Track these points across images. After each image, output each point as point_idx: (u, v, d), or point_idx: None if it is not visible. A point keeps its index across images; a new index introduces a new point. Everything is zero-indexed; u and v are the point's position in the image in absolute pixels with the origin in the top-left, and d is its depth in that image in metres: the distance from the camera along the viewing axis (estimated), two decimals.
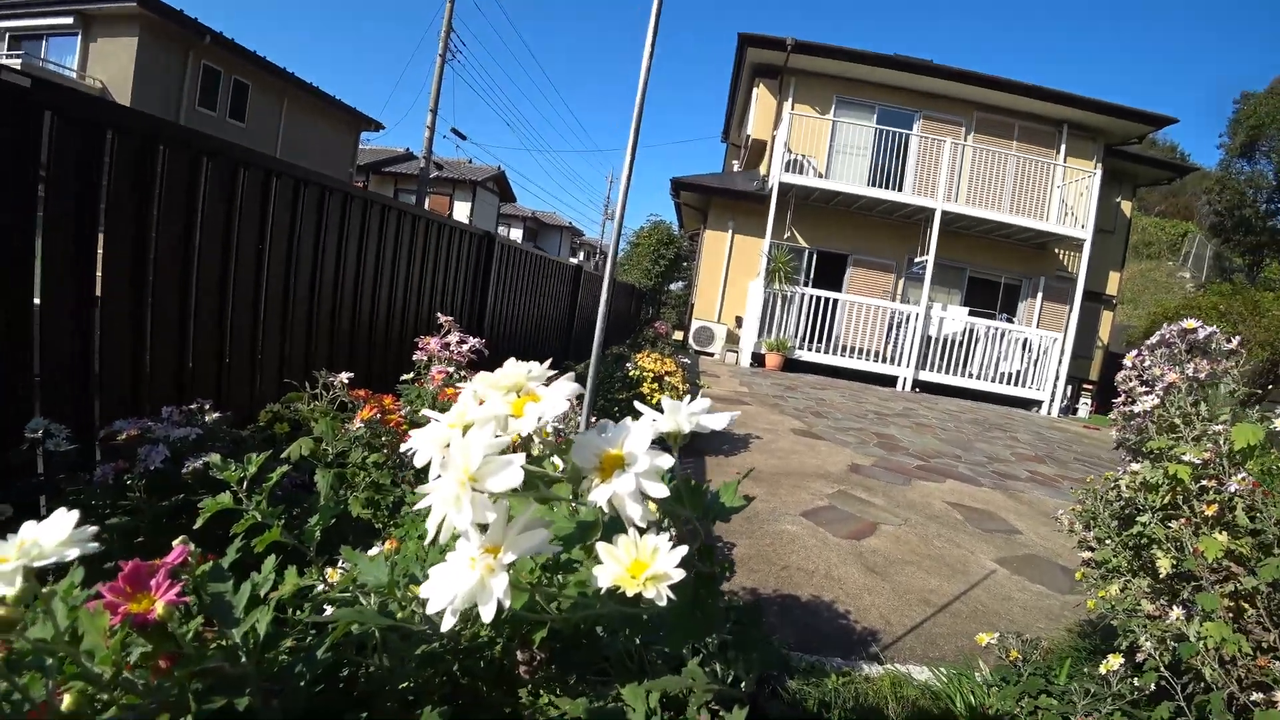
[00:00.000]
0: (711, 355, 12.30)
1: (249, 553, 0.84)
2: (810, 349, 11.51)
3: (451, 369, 1.81)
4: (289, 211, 2.40)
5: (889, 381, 11.56)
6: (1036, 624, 2.57)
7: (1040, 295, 13.17)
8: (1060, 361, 11.70)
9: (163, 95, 14.07)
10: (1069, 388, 12.51)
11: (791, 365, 11.34)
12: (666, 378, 4.33)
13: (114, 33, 13.97)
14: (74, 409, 1.61)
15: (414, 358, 2.00)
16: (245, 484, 0.94)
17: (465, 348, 1.96)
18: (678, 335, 14.33)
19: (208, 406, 1.56)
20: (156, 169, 1.77)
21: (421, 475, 1.49)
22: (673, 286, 18.61)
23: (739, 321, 12.68)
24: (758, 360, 11.40)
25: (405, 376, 1.92)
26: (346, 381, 1.62)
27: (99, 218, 1.65)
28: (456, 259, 3.93)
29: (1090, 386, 13.59)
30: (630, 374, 4.22)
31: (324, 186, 2.57)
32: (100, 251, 1.67)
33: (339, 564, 0.91)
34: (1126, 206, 14.89)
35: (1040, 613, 2.69)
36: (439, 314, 2.19)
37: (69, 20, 14.17)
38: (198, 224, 1.96)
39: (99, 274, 1.68)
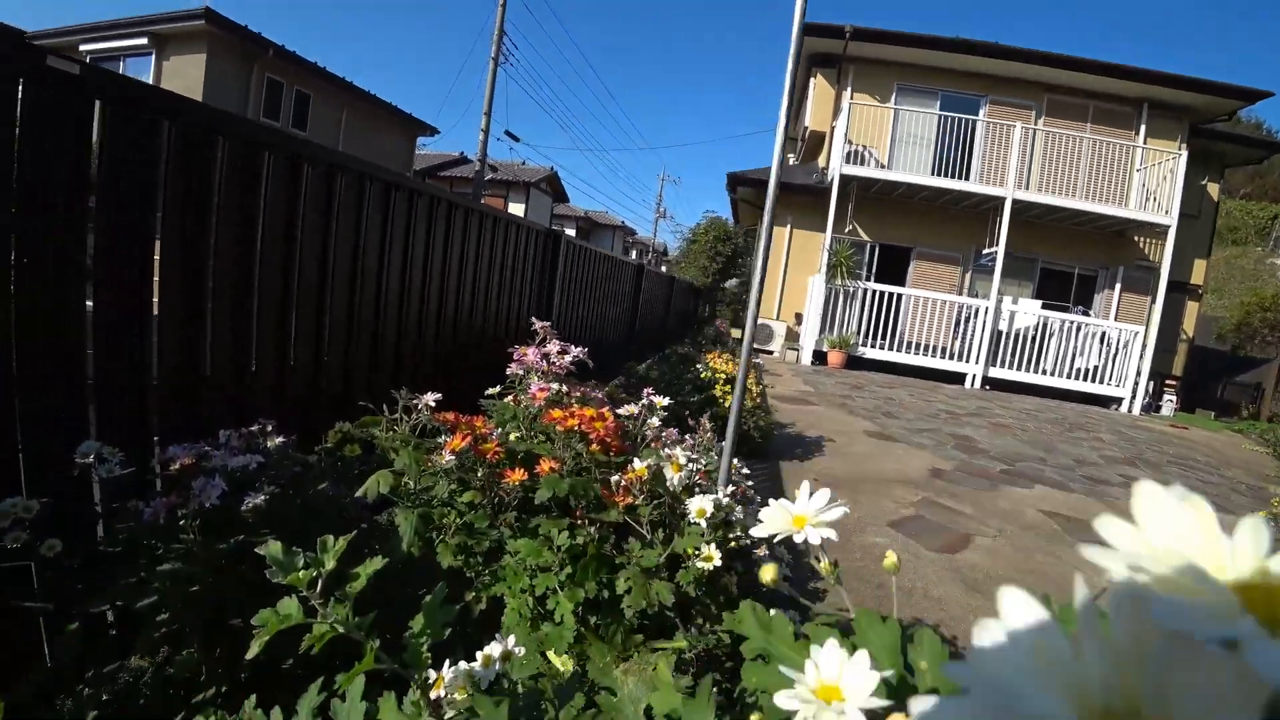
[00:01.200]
0: (771, 353, 12.06)
1: (324, 650, 0.67)
2: (873, 346, 11.16)
3: (555, 385, 1.61)
4: (354, 207, 2.34)
5: (957, 379, 11.12)
6: None
7: (1119, 286, 12.46)
8: (1142, 356, 11.07)
9: (229, 106, 14.57)
10: (1151, 384, 11.83)
11: (854, 363, 11.01)
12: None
13: (184, 50, 14.54)
14: (129, 420, 1.52)
15: (508, 371, 1.83)
16: (319, 583, 0.73)
17: (567, 359, 1.77)
18: (735, 333, 14.11)
19: (270, 428, 1.43)
20: (215, 163, 1.69)
21: (526, 514, 1.32)
22: (728, 284, 18.35)
23: (799, 318, 12.39)
24: (819, 358, 11.11)
25: (490, 391, 1.77)
26: (433, 405, 1.48)
27: (154, 213, 1.56)
28: (524, 258, 3.86)
29: (1174, 382, 12.82)
30: (702, 375, 4.07)
31: (387, 182, 2.51)
32: (157, 252, 1.59)
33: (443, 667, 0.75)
34: (1213, 189, 13.99)
35: None
36: (533, 319, 2.01)
37: (144, 41, 14.80)
38: (259, 221, 1.88)
39: (155, 275, 1.58)
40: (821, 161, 13.37)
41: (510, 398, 1.74)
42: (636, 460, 1.31)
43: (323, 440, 1.66)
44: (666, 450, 1.37)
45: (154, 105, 1.51)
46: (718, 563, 1.13)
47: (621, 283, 6.57)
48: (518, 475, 1.29)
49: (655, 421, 1.77)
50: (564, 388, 1.63)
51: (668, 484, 1.26)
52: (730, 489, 1.35)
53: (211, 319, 1.72)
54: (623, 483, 1.29)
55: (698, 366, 4.38)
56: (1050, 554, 3.16)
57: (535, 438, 1.54)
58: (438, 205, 2.88)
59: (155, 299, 1.60)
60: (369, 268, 2.47)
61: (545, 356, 1.76)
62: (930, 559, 2.90)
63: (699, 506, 1.19)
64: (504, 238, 3.57)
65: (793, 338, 12.19)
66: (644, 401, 1.76)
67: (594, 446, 1.35)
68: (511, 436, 1.54)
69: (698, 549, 1.14)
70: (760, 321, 12.25)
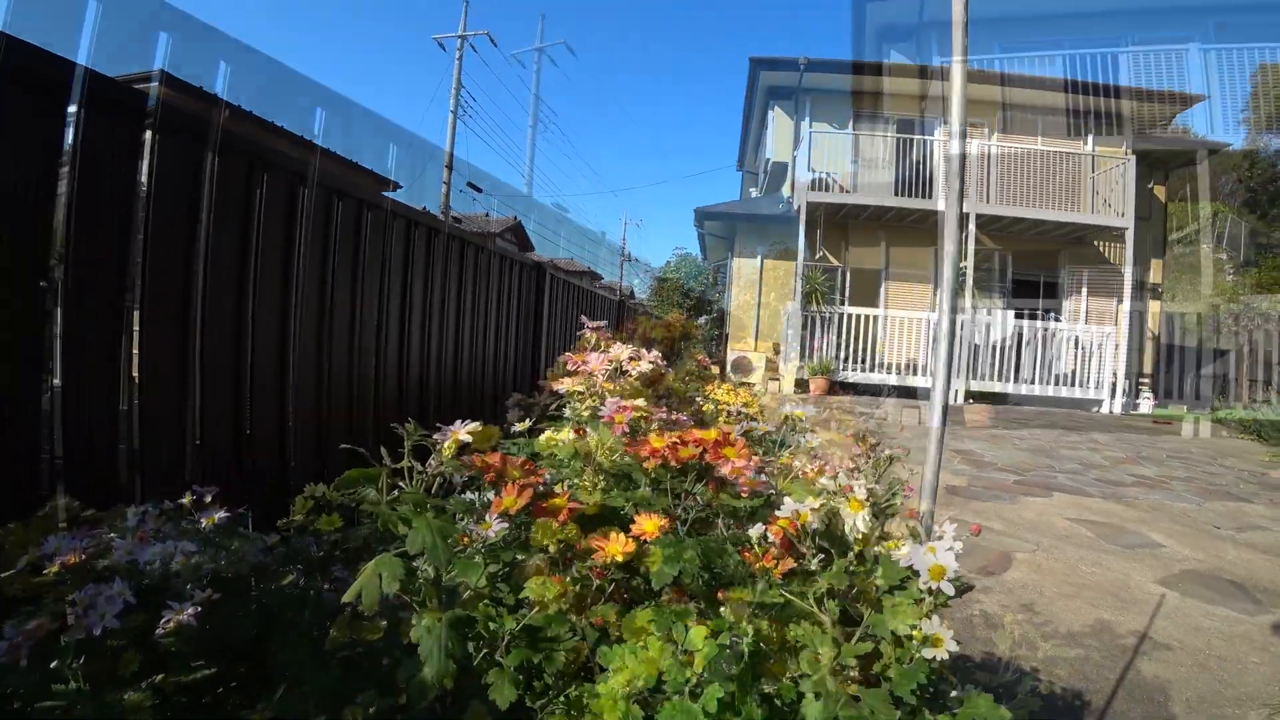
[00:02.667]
0: (752, 385, 11.93)
1: None
2: (854, 369, 11.12)
3: (631, 404, 1.13)
4: (321, 227, 2.16)
5: None
6: (1249, 657, 2.18)
7: (1084, 290, 12.69)
8: (1115, 356, 11.22)
9: None
10: (1127, 382, 11.97)
11: (835, 388, 10.95)
12: (743, 409, 4.00)
13: None
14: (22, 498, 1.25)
15: (556, 387, 1.40)
16: None
17: (643, 365, 1.35)
18: (714, 369, 14.00)
19: (209, 498, 1.03)
20: (146, 154, 1.48)
21: (630, 596, 0.91)
22: (700, 321, 18.31)
23: (776, 349, 12.34)
24: (801, 386, 11.02)
25: (518, 427, 1.51)
26: (466, 440, 0.97)
27: (53, 221, 1.30)
28: (512, 290, 3.68)
29: (1147, 379, 13.04)
30: (704, 409, 3.90)
31: (360, 200, 2.34)
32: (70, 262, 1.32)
33: None
34: (1160, 191, 14.45)
35: (1244, 642, 2.30)
36: (582, 318, 1.68)
37: None
38: (202, 220, 1.67)
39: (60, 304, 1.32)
40: (786, 191, 13.52)
41: (547, 434, 1.26)
42: (790, 501, 0.88)
43: (289, 516, 1.22)
44: (830, 481, 0.95)
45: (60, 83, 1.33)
46: (953, 646, 0.78)
47: (606, 317, 6.42)
48: (619, 545, 0.84)
49: (811, 441, 1.43)
50: (644, 406, 1.15)
51: (846, 532, 0.86)
52: (954, 525, 1.03)
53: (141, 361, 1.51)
54: (773, 537, 0.87)
55: (697, 400, 4.19)
56: (1095, 564, 3.01)
57: (600, 481, 1.08)
58: (415, 229, 2.69)
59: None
60: (340, 310, 2.28)
61: (616, 366, 1.31)
62: (978, 582, 2.73)
63: (934, 564, 0.81)
64: (489, 268, 3.39)
65: (773, 368, 12.11)
66: (783, 410, 1.48)
67: (711, 485, 0.92)
68: (559, 487, 1.08)
69: (916, 627, 0.78)
70: (739, 354, 12.18)
